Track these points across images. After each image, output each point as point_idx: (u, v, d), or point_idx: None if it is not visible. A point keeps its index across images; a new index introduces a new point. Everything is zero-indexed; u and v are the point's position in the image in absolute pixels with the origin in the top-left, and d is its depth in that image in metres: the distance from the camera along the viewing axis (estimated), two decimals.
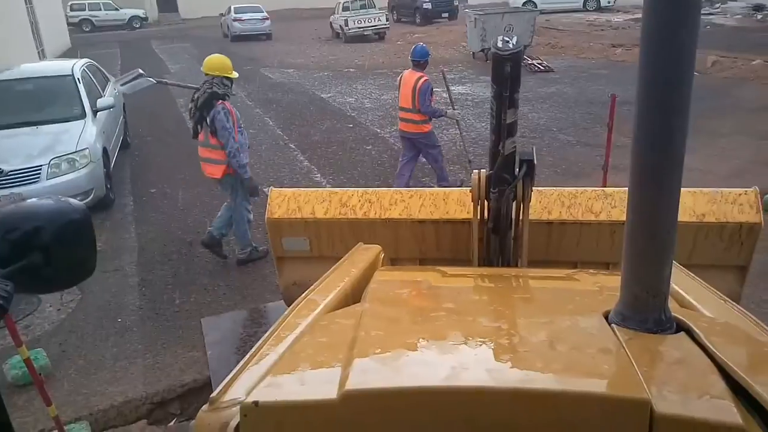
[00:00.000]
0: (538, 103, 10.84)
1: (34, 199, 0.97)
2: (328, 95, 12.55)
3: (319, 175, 7.54)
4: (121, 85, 5.46)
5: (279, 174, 7.60)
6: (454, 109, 6.45)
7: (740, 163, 7.18)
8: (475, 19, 14.97)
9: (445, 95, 7.08)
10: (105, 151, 6.77)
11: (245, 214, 5.00)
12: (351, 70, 15.85)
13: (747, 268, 2.48)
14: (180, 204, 6.68)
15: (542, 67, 14.16)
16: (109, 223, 6.23)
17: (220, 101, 4.63)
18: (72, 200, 1.00)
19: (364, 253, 2.04)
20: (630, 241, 1.18)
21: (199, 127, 4.74)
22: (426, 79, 5.93)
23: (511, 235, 2.19)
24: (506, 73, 1.85)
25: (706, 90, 11.08)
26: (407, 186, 6.08)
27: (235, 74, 4.85)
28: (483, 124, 9.14)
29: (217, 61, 4.78)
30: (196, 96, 4.76)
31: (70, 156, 6.10)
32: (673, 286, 1.28)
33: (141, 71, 5.59)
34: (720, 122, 8.99)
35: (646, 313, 1.16)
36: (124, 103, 9.23)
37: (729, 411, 0.87)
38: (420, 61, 6.04)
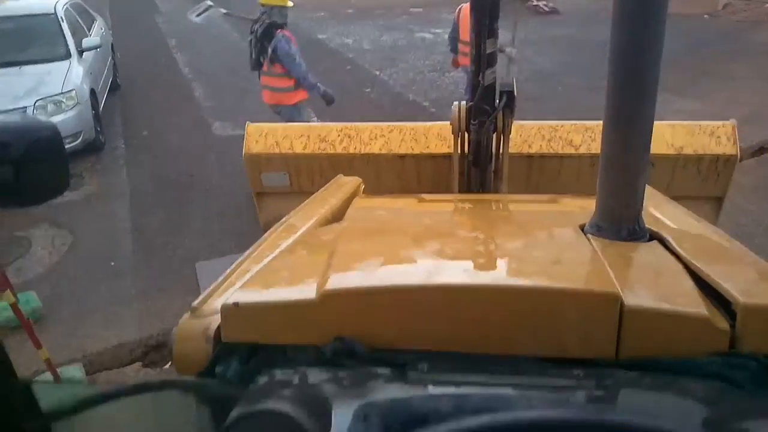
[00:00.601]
0: (544, 46, 10.46)
1: (0, 117, 0.93)
2: (325, 36, 12.12)
3: (315, 118, 7.30)
4: (196, 16, 5.59)
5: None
6: (513, 47, 6.28)
7: (753, 108, 6.95)
8: None
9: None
10: (93, 92, 6.54)
11: None
12: (349, 10, 15.27)
13: (722, 199, 2.56)
14: (173, 147, 6.50)
15: (547, 9, 13.64)
16: (100, 167, 6.07)
17: (280, 30, 4.64)
18: (40, 118, 0.98)
19: (344, 184, 2.00)
20: (606, 152, 1.20)
21: (261, 57, 4.73)
22: None
23: (492, 168, 2.20)
24: (485, 1, 1.85)
25: (718, 33, 10.72)
26: None
27: (290, 3, 4.81)
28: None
29: None
30: (255, 27, 4.75)
31: (55, 98, 5.88)
32: (650, 208, 1.32)
33: (210, 2, 5.76)
34: (732, 67, 8.70)
35: (621, 223, 1.19)
36: (112, 43, 8.90)
37: (695, 303, 0.90)
38: None
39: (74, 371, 3.27)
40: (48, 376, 3.14)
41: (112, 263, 4.36)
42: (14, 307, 3.08)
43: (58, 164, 0.95)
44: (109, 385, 0.91)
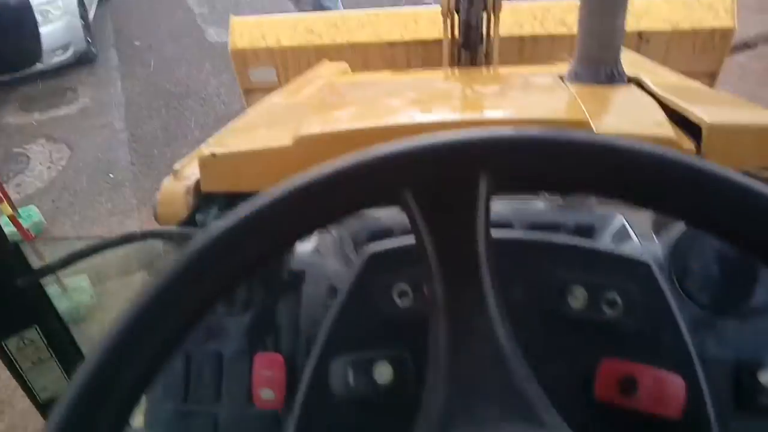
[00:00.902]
0: None
1: None
2: None
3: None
4: None
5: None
6: None
7: None
8: None
9: None
10: (81, 1, 6.23)
11: None
12: None
13: (717, 74, 2.47)
14: (166, 56, 6.27)
15: None
16: (93, 79, 5.91)
17: None
18: None
19: (330, 67, 1.94)
20: None
21: None
22: None
23: (483, 51, 2.13)
24: None
25: None
26: None
27: None
28: None
29: None
30: None
31: (41, 7, 5.60)
32: (640, 74, 1.30)
33: None
34: None
35: (599, 65, 1.18)
36: None
37: (662, 127, 0.91)
38: None
39: (80, 281, 3.33)
40: (55, 287, 3.20)
41: (111, 175, 4.34)
42: (13, 219, 3.09)
43: (28, 33, 0.98)
44: (94, 239, 0.93)
